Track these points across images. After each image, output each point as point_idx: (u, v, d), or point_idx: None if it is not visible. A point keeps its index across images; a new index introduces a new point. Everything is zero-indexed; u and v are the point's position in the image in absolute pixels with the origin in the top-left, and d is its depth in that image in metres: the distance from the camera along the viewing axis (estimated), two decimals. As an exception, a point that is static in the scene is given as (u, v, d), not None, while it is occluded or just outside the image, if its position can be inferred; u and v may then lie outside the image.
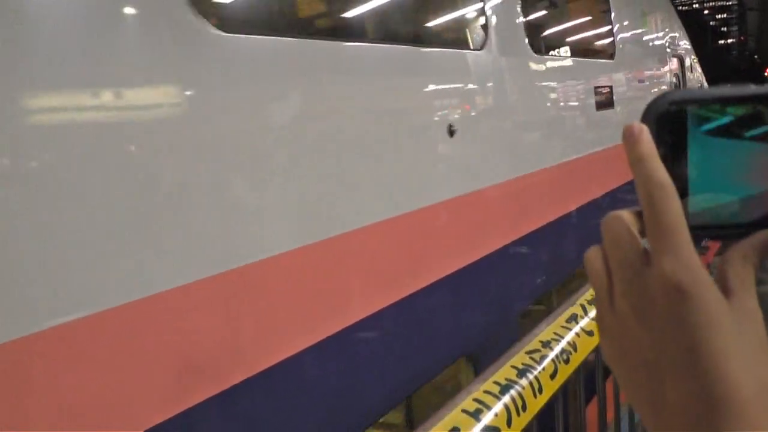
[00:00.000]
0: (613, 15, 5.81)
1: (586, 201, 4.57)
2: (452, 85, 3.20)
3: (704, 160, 0.43)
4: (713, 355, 0.38)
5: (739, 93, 0.43)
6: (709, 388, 0.38)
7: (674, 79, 8.02)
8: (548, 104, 4.33)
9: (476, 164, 3.29)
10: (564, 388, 1.93)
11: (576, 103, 4.80)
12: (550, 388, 1.82)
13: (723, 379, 0.38)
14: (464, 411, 1.53)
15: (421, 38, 3.41)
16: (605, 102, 5.15)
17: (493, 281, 3.26)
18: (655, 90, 7.05)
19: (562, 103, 4.54)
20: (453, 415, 1.51)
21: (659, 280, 0.41)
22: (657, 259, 0.41)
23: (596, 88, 4.98)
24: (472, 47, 3.42)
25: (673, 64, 8.18)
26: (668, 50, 8.05)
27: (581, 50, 5.57)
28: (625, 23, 6.29)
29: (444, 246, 2.86)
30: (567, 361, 1.93)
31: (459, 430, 1.47)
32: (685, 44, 9.38)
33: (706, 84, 10.69)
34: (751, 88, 0.43)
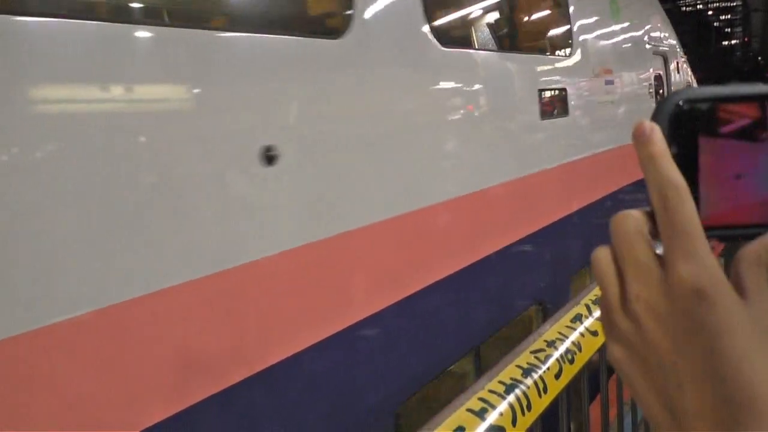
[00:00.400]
0: (570, 1, 4.68)
1: (498, 248, 3.33)
2: (279, 88, 2.16)
3: (715, 160, 0.43)
4: (735, 358, 0.38)
5: (752, 91, 0.43)
6: (731, 391, 0.37)
7: (655, 80, 6.75)
8: (454, 115, 3.16)
9: (307, 210, 2.20)
10: (568, 388, 1.93)
11: (506, 111, 3.57)
12: (555, 387, 1.82)
13: (746, 382, 0.37)
14: (469, 410, 1.53)
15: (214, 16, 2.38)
16: (555, 108, 4.06)
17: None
18: (630, 92, 5.80)
19: (479, 112, 3.33)
20: (458, 414, 1.52)
21: (678, 283, 0.40)
22: (673, 261, 0.40)
23: (542, 91, 3.89)
24: (321, 33, 2.44)
25: (656, 62, 6.90)
26: (648, 47, 6.71)
27: (521, 43, 4.52)
28: (588, 13, 5.04)
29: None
30: (572, 361, 1.93)
31: (464, 429, 1.48)
32: (670, 41, 7.87)
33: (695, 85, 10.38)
34: (765, 87, 0.43)
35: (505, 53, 4.00)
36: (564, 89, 4.22)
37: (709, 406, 0.38)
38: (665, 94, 5.82)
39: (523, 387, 1.69)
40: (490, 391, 1.61)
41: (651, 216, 0.43)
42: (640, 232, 0.43)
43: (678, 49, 8.09)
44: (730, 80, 0.43)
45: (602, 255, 0.45)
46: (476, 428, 1.50)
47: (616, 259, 0.44)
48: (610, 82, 5.24)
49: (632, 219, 0.43)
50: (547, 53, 4.71)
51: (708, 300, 0.39)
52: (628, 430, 2.57)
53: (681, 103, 0.43)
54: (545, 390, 1.77)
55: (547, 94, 4.03)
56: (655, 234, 0.42)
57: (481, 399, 1.57)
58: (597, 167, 4.86)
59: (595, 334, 2.10)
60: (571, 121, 4.30)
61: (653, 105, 6.18)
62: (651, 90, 6.43)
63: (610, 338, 0.45)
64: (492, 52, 3.87)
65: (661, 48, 7.08)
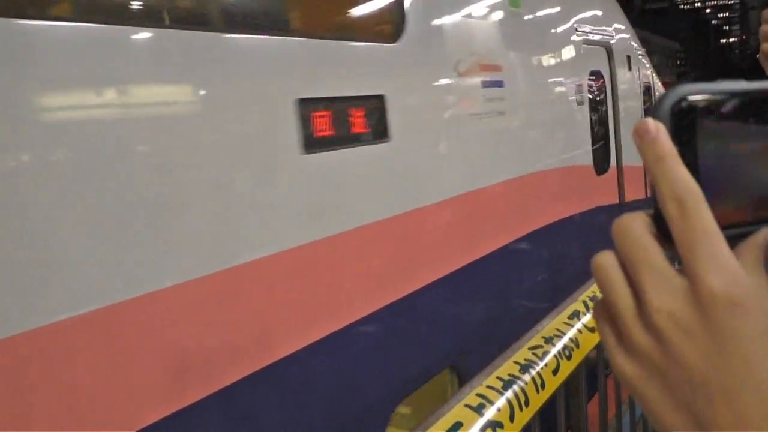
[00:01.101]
0: None
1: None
2: None
3: (716, 158, 0.41)
4: None
5: (757, 87, 0.41)
6: None
7: (591, 80, 4.74)
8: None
9: None
10: (566, 385, 1.94)
11: (200, 147, 1.83)
12: (553, 383, 1.83)
13: None
14: (467, 406, 1.54)
15: None
16: (349, 129, 2.31)
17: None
18: (540, 98, 3.93)
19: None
20: (456, 410, 1.52)
21: (708, 294, 0.37)
22: (698, 271, 0.38)
23: (309, 102, 2.12)
24: None
25: (595, 58, 4.93)
26: (577, 36, 4.50)
27: (276, 22, 2.46)
28: None
29: None
30: (569, 357, 1.94)
31: (462, 424, 1.48)
32: (620, 33, 5.68)
33: (660, 88, 7.22)
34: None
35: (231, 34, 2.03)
36: (379, 97, 2.42)
37: (746, 418, 0.37)
38: (608, 96, 5.07)
39: (521, 383, 1.69)
40: (488, 387, 1.61)
41: (655, 220, 0.40)
42: (651, 237, 0.40)
43: (633, 43, 6.18)
44: (728, 78, 0.42)
45: (608, 261, 0.41)
46: (474, 424, 1.50)
47: (624, 265, 0.40)
48: (494, 84, 3.22)
49: (642, 221, 0.40)
50: (340, 37, 2.50)
51: (741, 308, 0.37)
52: (627, 428, 2.58)
53: (682, 98, 0.40)
54: (543, 386, 1.77)
55: (328, 106, 2.19)
56: (659, 240, 0.40)
57: (479, 395, 1.58)
58: (451, 222, 2.90)
59: (592, 330, 2.11)
60: (393, 149, 2.47)
61: (586, 113, 4.29)
62: (581, 94, 4.38)
63: (619, 354, 0.41)
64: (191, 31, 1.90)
65: (605, 39, 5.16)
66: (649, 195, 0.43)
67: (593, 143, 4.56)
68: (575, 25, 4.53)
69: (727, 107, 0.41)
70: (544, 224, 3.69)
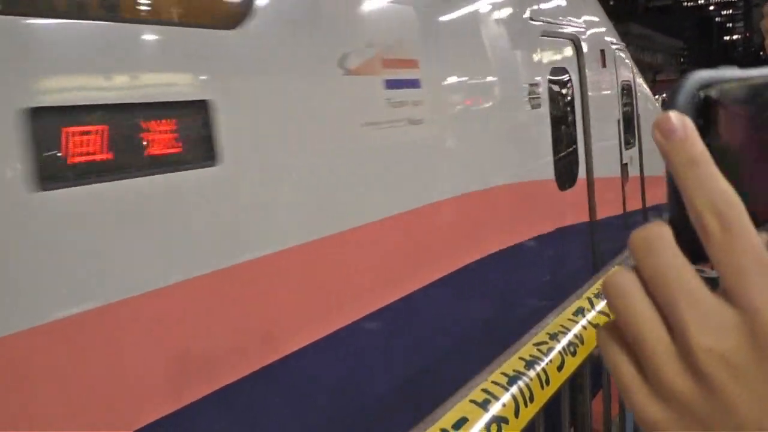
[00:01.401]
0: None
1: None
2: None
3: (731, 153, 0.35)
4: None
5: None
6: None
7: (549, 79, 3.83)
8: None
9: None
10: (571, 381, 1.94)
11: None
12: (557, 379, 1.83)
13: None
14: (472, 401, 1.54)
15: None
16: (137, 154, 1.59)
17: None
18: (478, 104, 3.12)
19: None
20: (461, 405, 1.53)
21: (761, 323, 0.31)
22: (749, 300, 0.32)
23: (40, 113, 1.39)
24: None
25: (558, 52, 4.12)
26: (533, 26, 3.72)
27: None
28: None
29: None
30: (574, 354, 1.95)
31: (467, 420, 1.49)
32: (592, 24, 4.84)
33: (645, 89, 6.27)
34: None
35: None
36: (201, 104, 1.74)
37: None
38: (576, 98, 4.17)
39: (525, 379, 1.70)
40: (493, 383, 1.62)
41: (676, 232, 0.34)
42: (683, 257, 0.33)
43: (609, 36, 5.22)
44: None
45: (627, 283, 0.34)
46: (479, 419, 1.51)
47: (649, 290, 0.34)
48: (406, 84, 2.49)
49: (670, 235, 0.34)
50: (134, 19, 1.78)
51: None
52: (630, 425, 2.59)
53: (702, 87, 0.35)
54: (548, 382, 1.78)
55: (101, 118, 1.51)
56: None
57: (484, 390, 1.59)
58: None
59: (597, 326, 2.12)
60: (224, 176, 1.79)
61: (546, 117, 3.73)
62: (538, 95, 3.60)
63: (643, 395, 0.34)
64: None
65: (568, 30, 4.27)
66: (666, 201, 0.36)
67: (556, 153, 3.74)
68: (530, 13, 3.69)
69: (748, 96, 0.36)
70: (464, 264, 2.75)
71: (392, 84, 2.40)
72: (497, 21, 3.41)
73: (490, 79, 3.21)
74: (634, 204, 5.25)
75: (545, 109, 3.63)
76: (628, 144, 5.20)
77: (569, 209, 3.92)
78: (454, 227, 2.77)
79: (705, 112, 0.35)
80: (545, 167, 3.64)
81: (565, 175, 3.93)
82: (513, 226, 3.21)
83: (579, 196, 4.12)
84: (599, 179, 4.36)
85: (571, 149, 4.07)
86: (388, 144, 2.39)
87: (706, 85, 0.35)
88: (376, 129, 2.33)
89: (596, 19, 5.04)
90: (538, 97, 3.59)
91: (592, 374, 2.13)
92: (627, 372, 0.35)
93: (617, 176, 4.91)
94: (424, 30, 2.69)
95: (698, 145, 0.33)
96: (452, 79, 2.89)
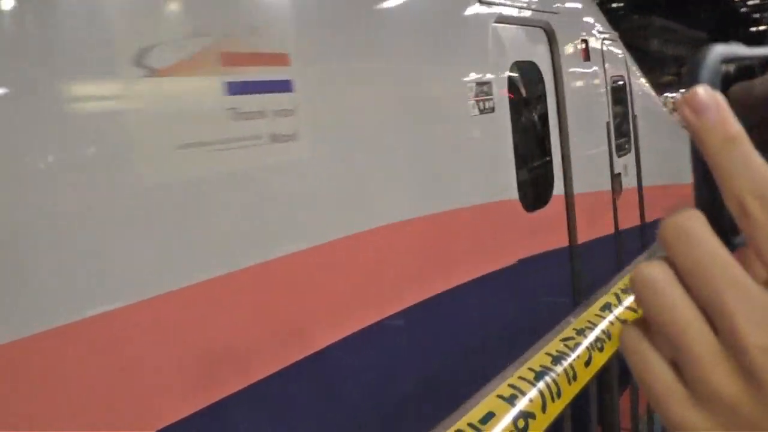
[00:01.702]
0: None
1: None
2: None
3: (749, 131, 0.33)
4: None
5: None
6: None
7: (510, 76, 3.09)
8: None
9: None
10: (598, 377, 1.92)
11: None
12: (585, 375, 1.82)
13: None
14: (500, 396, 1.54)
15: None
16: None
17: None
18: (360, 112, 2.21)
19: None
20: (488, 401, 1.52)
21: None
22: None
23: None
24: None
25: (524, 43, 3.37)
26: (483, 10, 2.93)
27: None
28: None
29: None
30: (601, 349, 1.93)
31: (494, 414, 1.49)
32: (571, 10, 4.01)
33: (644, 84, 5.24)
34: None
35: None
36: None
37: None
38: (549, 99, 3.45)
39: (552, 374, 1.69)
40: (520, 378, 1.62)
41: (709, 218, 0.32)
42: (725, 250, 0.30)
43: (595, 24, 4.31)
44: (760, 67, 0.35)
45: (660, 276, 0.31)
46: (506, 414, 1.50)
47: (687, 284, 0.31)
48: (265, 88, 1.84)
49: (705, 222, 0.31)
50: None
51: None
52: (658, 422, 2.55)
53: (725, 62, 0.33)
54: (575, 377, 1.76)
55: None
56: None
57: (511, 385, 1.58)
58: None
59: (624, 323, 2.09)
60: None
61: (505, 124, 3.16)
62: (491, 97, 2.86)
63: (681, 401, 0.31)
64: None
65: (535, 16, 3.49)
66: (692, 182, 0.33)
67: (520, 167, 3.04)
68: None
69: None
70: (335, 340, 1.93)
71: (239, 88, 1.74)
72: (424, 2, 2.66)
73: (408, 77, 2.45)
74: (630, 220, 4.42)
75: (502, 114, 2.90)
76: (622, 150, 4.38)
77: (539, 234, 3.19)
78: (324, 286, 1.97)
79: (726, 88, 0.33)
80: (502, 185, 2.93)
81: (534, 192, 3.31)
82: (433, 273, 2.39)
83: (554, 216, 3.39)
84: (582, 195, 3.59)
85: (542, 161, 3.42)
86: (222, 171, 1.70)
87: (728, 60, 0.33)
88: (205, 152, 1.65)
89: (577, 3, 4.19)
90: (490, 99, 2.83)
91: (620, 371, 2.10)
92: (662, 377, 0.32)
93: (606, 189, 4.09)
94: (298, 11, 2.00)
95: (734, 123, 0.30)
96: (346, 80, 2.18)
